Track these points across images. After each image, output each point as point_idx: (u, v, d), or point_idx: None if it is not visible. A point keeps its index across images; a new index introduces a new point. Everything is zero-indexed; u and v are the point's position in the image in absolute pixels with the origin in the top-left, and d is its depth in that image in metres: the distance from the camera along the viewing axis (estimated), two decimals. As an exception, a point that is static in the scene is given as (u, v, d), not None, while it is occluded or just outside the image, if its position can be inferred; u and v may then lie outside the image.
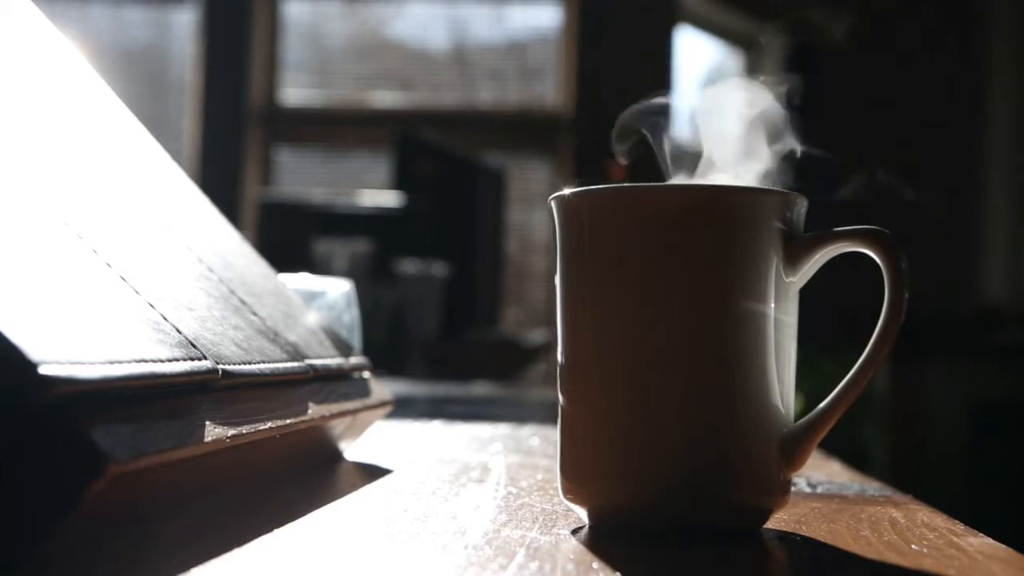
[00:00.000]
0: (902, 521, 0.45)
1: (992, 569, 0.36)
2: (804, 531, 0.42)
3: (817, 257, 0.41)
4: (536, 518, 0.43)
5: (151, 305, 0.41)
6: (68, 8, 3.69)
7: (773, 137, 0.45)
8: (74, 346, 0.32)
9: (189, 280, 0.49)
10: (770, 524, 0.43)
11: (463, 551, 0.36)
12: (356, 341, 0.72)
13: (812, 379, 0.70)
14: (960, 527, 0.43)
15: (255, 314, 0.53)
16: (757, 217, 0.41)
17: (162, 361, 0.37)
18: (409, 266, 2.13)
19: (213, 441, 0.38)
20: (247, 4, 3.66)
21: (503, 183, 2.87)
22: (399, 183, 2.52)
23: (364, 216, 2.49)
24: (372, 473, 0.55)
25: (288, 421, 0.47)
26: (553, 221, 0.44)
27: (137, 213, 0.51)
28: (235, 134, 3.63)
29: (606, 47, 3.53)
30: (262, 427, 0.43)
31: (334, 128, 3.69)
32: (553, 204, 0.44)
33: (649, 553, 0.38)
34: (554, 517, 0.43)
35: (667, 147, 0.46)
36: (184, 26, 3.71)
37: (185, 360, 0.39)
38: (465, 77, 3.72)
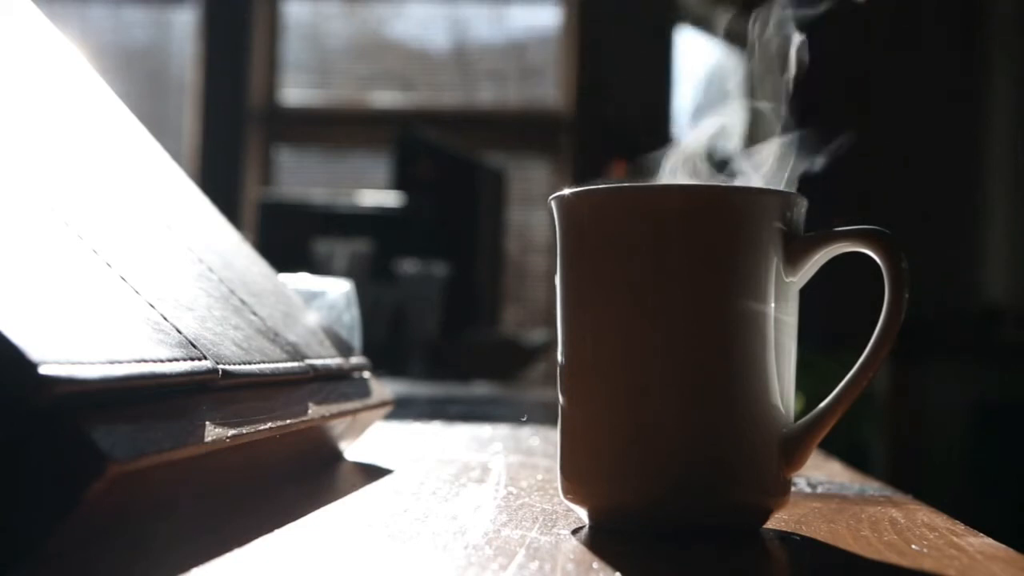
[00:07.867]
0: (902, 521, 0.45)
1: (992, 569, 0.35)
2: (804, 531, 0.42)
3: (817, 257, 0.41)
4: (536, 518, 0.43)
5: (151, 305, 0.41)
6: (68, 8, 3.68)
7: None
8: (74, 346, 0.32)
9: (189, 280, 0.49)
10: (770, 524, 0.43)
11: (463, 551, 0.36)
12: (356, 341, 0.72)
13: (812, 379, 0.70)
14: (960, 527, 0.43)
15: (255, 314, 0.53)
16: (757, 217, 0.41)
17: (162, 361, 0.37)
18: (409, 266, 2.13)
19: (213, 441, 0.38)
20: (247, 4, 3.66)
21: (503, 183, 2.87)
22: (399, 183, 2.52)
23: (364, 216, 2.49)
24: (372, 473, 0.55)
25: (288, 421, 0.47)
26: (553, 221, 0.44)
27: (137, 213, 0.51)
28: (235, 134, 3.63)
29: (606, 47, 3.53)
30: (262, 427, 0.43)
31: (334, 128, 3.69)
32: (553, 204, 0.44)
33: (649, 553, 0.38)
34: (554, 517, 0.43)
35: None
36: (184, 26, 3.71)
37: (185, 360, 0.39)
38: (465, 77, 3.72)
